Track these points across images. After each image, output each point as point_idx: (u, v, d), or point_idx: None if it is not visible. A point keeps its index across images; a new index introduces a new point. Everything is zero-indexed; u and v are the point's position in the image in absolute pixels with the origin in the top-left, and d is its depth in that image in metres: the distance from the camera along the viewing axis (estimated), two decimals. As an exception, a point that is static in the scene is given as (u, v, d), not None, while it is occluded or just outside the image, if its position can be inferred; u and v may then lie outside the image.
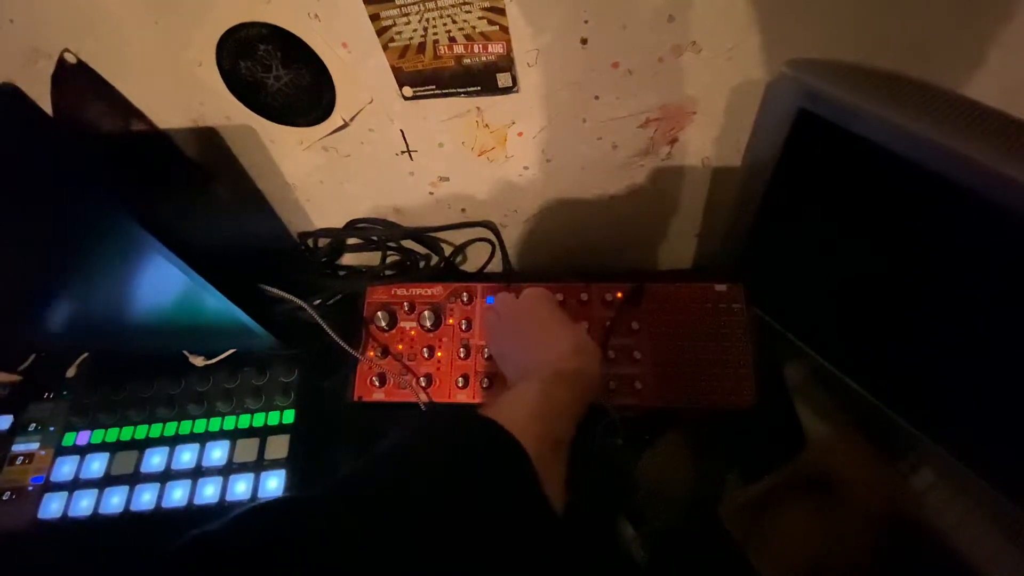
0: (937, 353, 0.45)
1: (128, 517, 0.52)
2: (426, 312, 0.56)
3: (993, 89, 0.42)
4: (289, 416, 0.56)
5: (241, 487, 0.53)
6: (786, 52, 0.41)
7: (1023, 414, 0.40)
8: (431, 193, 0.59)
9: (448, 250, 0.65)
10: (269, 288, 0.54)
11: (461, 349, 0.56)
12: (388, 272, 0.65)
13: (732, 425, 0.52)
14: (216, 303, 0.50)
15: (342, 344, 0.55)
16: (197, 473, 0.54)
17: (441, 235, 0.64)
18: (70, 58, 0.47)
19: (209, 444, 0.55)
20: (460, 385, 0.55)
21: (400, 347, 0.57)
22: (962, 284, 0.39)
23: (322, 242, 0.64)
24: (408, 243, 0.64)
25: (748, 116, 0.48)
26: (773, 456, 0.49)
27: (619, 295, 0.56)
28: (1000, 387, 0.41)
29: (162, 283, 0.48)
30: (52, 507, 0.53)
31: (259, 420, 0.56)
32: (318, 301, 0.59)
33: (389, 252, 0.64)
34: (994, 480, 0.45)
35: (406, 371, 0.55)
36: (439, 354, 0.57)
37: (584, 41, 0.43)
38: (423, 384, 0.55)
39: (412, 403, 0.54)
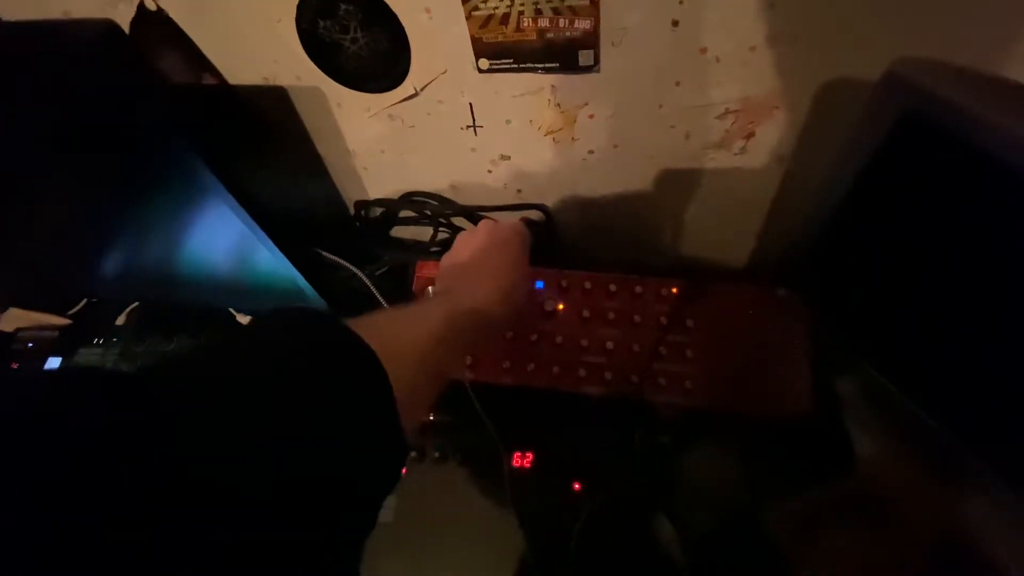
0: (1005, 380, 0.43)
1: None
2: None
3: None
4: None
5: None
6: (887, 50, 0.39)
7: None
8: (489, 171, 0.58)
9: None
10: (327, 254, 0.54)
11: (508, 331, 0.55)
12: (436, 248, 0.65)
13: (782, 434, 0.50)
14: (273, 261, 0.50)
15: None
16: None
17: (494, 215, 0.63)
18: (150, 4, 0.47)
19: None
20: (506, 367, 0.54)
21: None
22: None
23: (375, 212, 0.64)
24: (460, 220, 0.64)
25: (835, 115, 0.46)
26: (822, 470, 0.48)
27: (674, 291, 0.55)
28: None
29: (222, 234, 0.48)
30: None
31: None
32: (367, 271, 0.59)
33: (440, 228, 0.64)
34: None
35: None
36: (486, 334, 0.56)
37: (675, 23, 0.41)
38: (468, 362, 0.55)
39: (457, 381, 0.54)
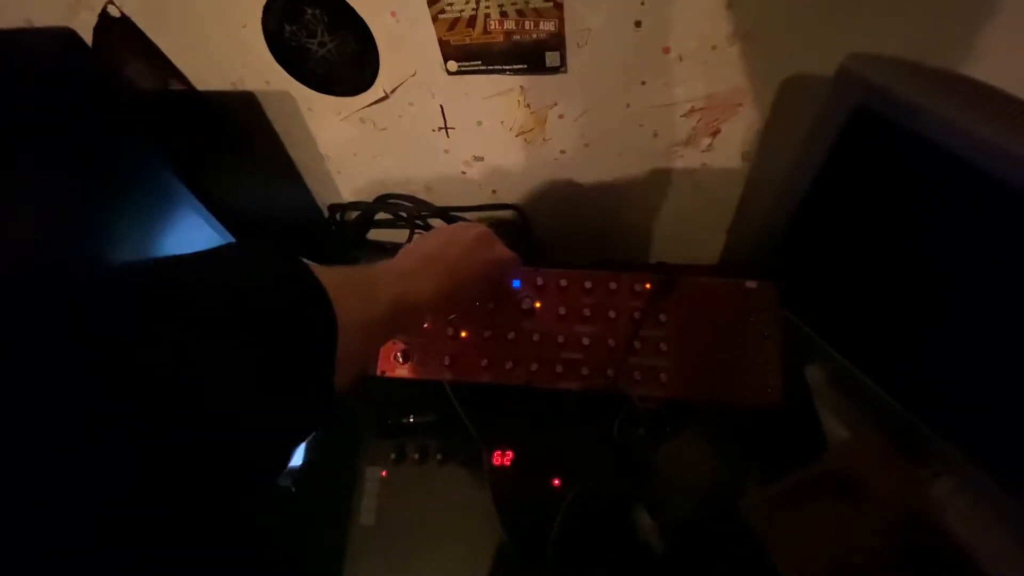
0: (970, 363, 0.45)
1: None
2: (452, 291, 0.56)
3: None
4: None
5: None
6: (842, 47, 0.40)
7: None
8: (463, 172, 0.59)
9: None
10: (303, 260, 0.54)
11: (486, 330, 0.56)
12: (413, 250, 0.65)
13: (754, 423, 0.52)
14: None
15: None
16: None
17: (469, 215, 0.63)
18: (113, 11, 0.46)
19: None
20: (484, 365, 0.55)
21: (425, 325, 0.57)
22: (1006, 295, 0.39)
23: (350, 215, 0.64)
24: (436, 222, 0.64)
25: (795, 110, 0.47)
26: (794, 456, 0.49)
27: (647, 286, 0.56)
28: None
29: (193, 243, 0.48)
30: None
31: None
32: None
33: (417, 230, 0.64)
34: (1017, 493, 0.45)
35: (430, 349, 0.55)
36: (463, 334, 0.57)
37: (638, 24, 0.42)
38: (447, 363, 0.55)
39: (436, 380, 0.54)
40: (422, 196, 0.63)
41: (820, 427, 0.51)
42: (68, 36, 0.30)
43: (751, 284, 0.56)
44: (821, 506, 0.44)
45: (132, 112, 0.38)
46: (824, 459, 0.46)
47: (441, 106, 0.51)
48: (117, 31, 0.47)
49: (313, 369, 0.27)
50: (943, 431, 0.49)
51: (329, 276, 0.30)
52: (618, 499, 0.49)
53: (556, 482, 0.50)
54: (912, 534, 0.44)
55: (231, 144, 0.56)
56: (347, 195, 0.63)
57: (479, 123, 0.52)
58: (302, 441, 0.28)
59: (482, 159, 0.57)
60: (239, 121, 0.54)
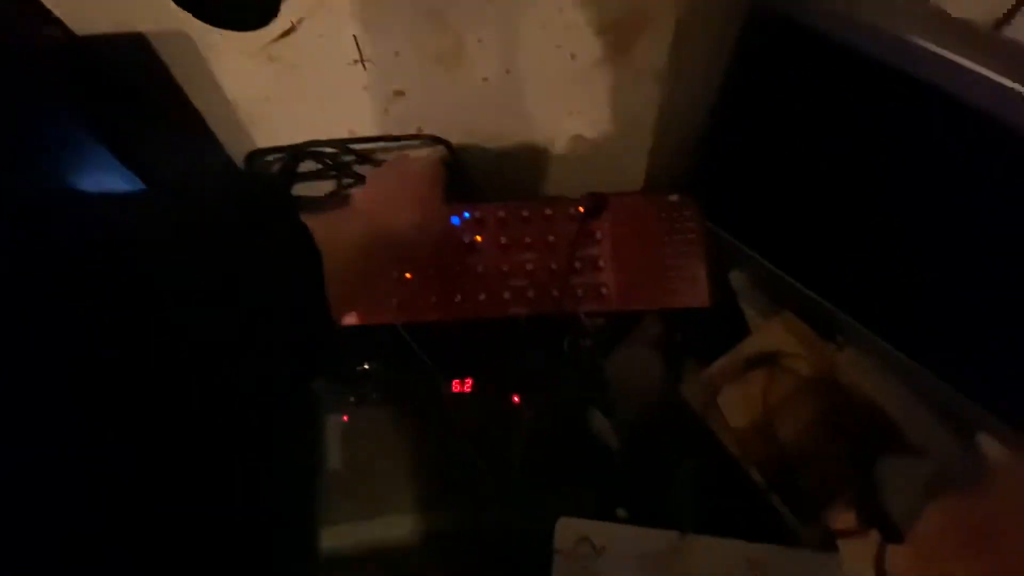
0: (870, 249, 0.51)
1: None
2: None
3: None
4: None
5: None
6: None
7: (927, 297, 0.46)
8: (386, 111, 0.57)
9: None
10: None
11: (431, 268, 0.56)
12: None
13: (688, 321, 0.56)
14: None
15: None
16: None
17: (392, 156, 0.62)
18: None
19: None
20: (433, 302, 0.55)
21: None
22: (905, 187, 0.44)
23: (270, 168, 0.61)
24: (364, 169, 0.62)
25: (703, 23, 0.50)
26: (725, 344, 0.54)
27: (581, 209, 0.58)
28: (914, 277, 0.47)
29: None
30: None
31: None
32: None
33: (345, 179, 0.62)
34: (907, 350, 0.53)
35: (377, 294, 0.55)
36: (408, 275, 0.57)
37: (547, -63, 0.42)
38: (395, 304, 0.55)
39: (388, 324, 0.54)
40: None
41: (743, 317, 0.57)
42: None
43: (674, 198, 0.59)
44: (749, 379, 0.49)
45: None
46: (749, 340, 0.51)
47: (355, 36, 0.49)
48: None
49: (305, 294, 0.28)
50: (849, 309, 0.55)
51: None
52: (574, 407, 0.53)
53: (515, 399, 0.53)
54: (827, 395, 0.50)
55: (121, 96, 0.51)
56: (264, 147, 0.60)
57: (396, 54, 0.51)
58: (307, 373, 0.29)
59: (403, 94, 0.55)
60: (129, 69, 0.49)
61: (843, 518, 0.45)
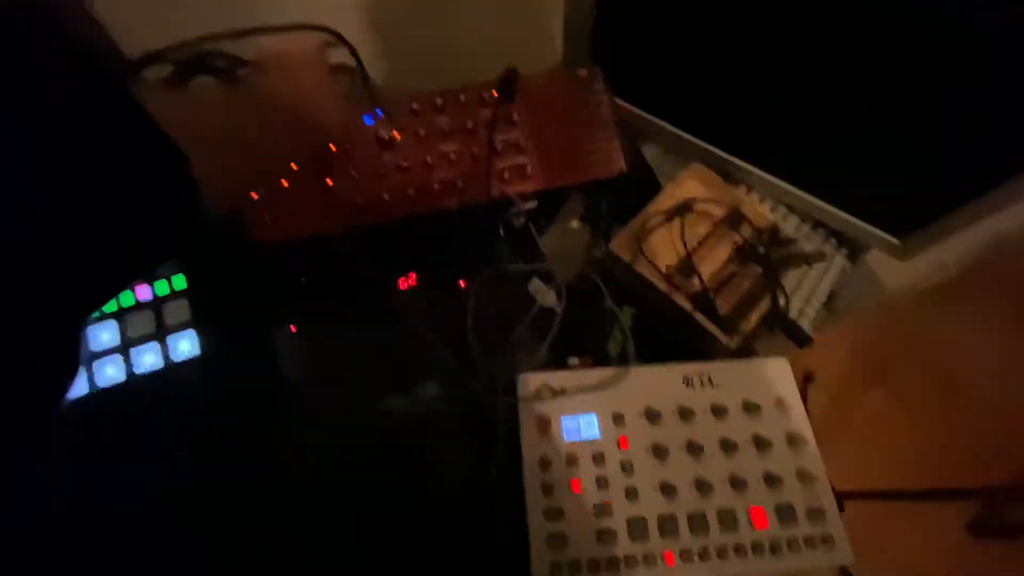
0: (761, 107, 0.56)
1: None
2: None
3: None
4: (180, 281, 0.52)
5: (149, 358, 0.49)
6: None
7: (814, 135, 0.52)
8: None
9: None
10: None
11: (351, 171, 0.55)
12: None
13: (610, 192, 0.60)
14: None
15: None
16: (91, 359, 0.49)
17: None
18: None
19: (95, 328, 0.49)
20: (362, 204, 0.54)
21: (285, 183, 0.54)
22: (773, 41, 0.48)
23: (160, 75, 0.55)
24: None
25: None
26: (643, 202, 0.58)
27: (495, 93, 0.58)
28: (803, 120, 0.53)
29: None
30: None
31: (146, 293, 0.51)
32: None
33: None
34: (799, 184, 0.60)
35: (303, 205, 0.53)
36: (329, 182, 0.55)
37: None
38: (323, 213, 0.54)
39: (322, 232, 0.53)
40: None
41: (655, 176, 0.62)
42: None
43: (582, 72, 0.61)
44: (668, 225, 0.54)
45: None
46: (665, 195, 0.56)
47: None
48: None
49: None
50: (750, 158, 0.61)
51: None
52: (516, 281, 0.55)
53: (462, 283, 0.55)
54: (738, 231, 0.56)
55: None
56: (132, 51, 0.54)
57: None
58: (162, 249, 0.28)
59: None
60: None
61: (757, 327, 0.53)
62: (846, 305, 0.64)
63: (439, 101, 0.57)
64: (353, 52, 0.58)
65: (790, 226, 0.63)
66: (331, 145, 0.55)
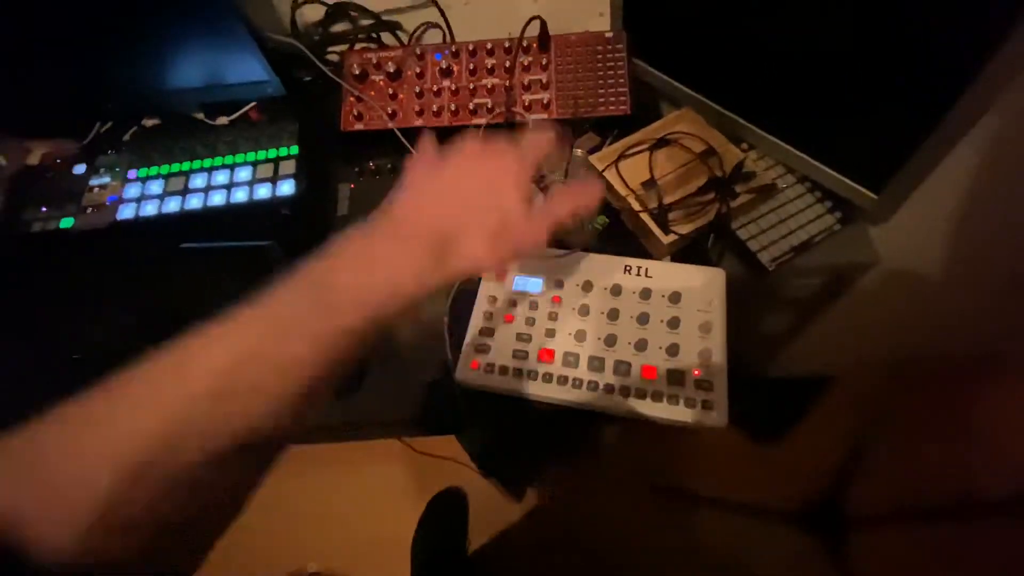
0: (765, 74, 0.64)
1: (183, 215, 0.73)
2: (389, 63, 0.75)
3: None
4: (294, 149, 0.76)
5: (263, 192, 0.73)
6: None
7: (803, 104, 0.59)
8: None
9: (404, 37, 0.84)
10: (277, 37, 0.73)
11: (416, 87, 0.75)
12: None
13: (613, 123, 0.72)
14: (247, 50, 0.70)
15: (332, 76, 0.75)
16: (230, 186, 0.74)
17: (398, 18, 0.81)
18: None
19: (237, 168, 0.75)
20: (417, 111, 0.74)
21: (372, 93, 0.76)
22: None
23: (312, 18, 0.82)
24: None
25: None
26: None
27: (534, 44, 0.75)
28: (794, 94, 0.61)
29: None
30: (126, 212, 0.74)
31: (272, 154, 0.76)
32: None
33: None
34: (797, 146, 0.66)
35: (375, 107, 0.75)
36: (401, 96, 0.76)
37: None
38: (390, 113, 0.75)
39: (385, 130, 0.74)
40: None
41: (659, 109, 0.72)
42: None
43: (609, 34, 0.75)
44: (653, 153, 0.65)
45: None
46: (653, 127, 0.66)
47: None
48: None
49: None
50: (752, 119, 0.69)
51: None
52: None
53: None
54: (706, 161, 0.64)
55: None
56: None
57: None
58: None
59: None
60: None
61: (695, 234, 0.61)
62: (831, 263, 0.67)
63: (490, 45, 0.75)
64: (442, 12, 0.80)
65: (760, 162, 0.69)
66: (407, 70, 0.76)
